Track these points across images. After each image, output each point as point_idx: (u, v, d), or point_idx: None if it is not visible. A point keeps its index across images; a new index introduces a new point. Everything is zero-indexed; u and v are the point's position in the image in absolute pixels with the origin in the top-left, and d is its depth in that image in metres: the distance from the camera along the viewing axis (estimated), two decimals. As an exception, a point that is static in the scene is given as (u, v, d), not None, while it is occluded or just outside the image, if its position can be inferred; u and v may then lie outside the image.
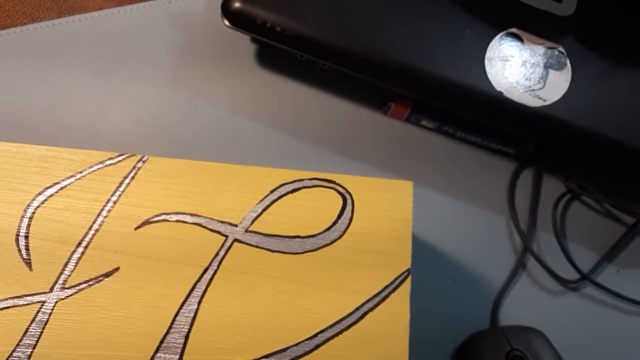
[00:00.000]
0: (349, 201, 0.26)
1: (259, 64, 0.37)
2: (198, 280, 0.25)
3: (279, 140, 0.35)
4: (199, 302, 0.24)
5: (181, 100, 0.36)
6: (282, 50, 0.33)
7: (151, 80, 0.36)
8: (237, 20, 0.32)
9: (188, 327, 0.24)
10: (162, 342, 0.24)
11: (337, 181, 0.26)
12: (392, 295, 0.25)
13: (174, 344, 0.24)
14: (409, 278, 0.25)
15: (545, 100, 0.32)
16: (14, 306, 0.24)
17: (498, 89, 0.31)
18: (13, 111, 0.34)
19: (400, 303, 0.25)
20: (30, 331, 0.24)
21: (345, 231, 0.26)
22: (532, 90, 0.32)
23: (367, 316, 0.25)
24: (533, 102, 0.32)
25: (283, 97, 0.36)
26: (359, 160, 0.35)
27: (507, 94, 0.31)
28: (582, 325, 0.34)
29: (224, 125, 0.35)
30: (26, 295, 0.24)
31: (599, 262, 0.35)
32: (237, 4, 0.32)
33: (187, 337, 0.24)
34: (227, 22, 0.33)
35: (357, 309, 0.25)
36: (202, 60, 0.37)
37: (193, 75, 0.36)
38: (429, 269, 0.34)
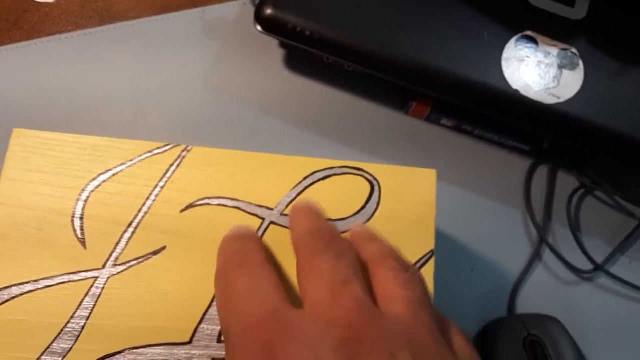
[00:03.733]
0: (376, 188, 0.28)
1: (286, 67, 0.39)
2: (237, 259, 0.27)
3: (306, 138, 0.37)
4: (238, 279, 0.26)
5: (214, 101, 0.38)
6: (310, 54, 0.35)
7: (186, 83, 0.39)
8: (269, 25, 0.35)
9: (228, 301, 0.26)
10: (205, 314, 0.26)
11: (365, 169, 0.28)
12: (417, 274, 0.27)
13: (216, 316, 0.26)
14: (433, 258, 0.27)
15: (559, 98, 0.33)
16: (69, 281, 0.26)
17: (515, 87, 0.33)
18: (59, 110, 0.37)
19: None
20: (84, 304, 0.26)
21: (372, 215, 0.28)
22: (547, 88, 0.33)
23: (394, 294, 0.27)
24: (548, 100, 0.33)
25: (309, 98, 0.39)
26: (382, 157, 0.37)
27: (524, 92, 0.33)
28: (596, 314, 0.35)
29: (255, 123, 0.38)
30: (80, 272, 0.26)
31: (612, 253, 0.36)
32: (269, 11, 0.34)
33: (227, 311, 0.26)
34: (259, 28, 0.35)
35: (385, 287, 0.27)
36: (234, 64, 0.39)
37: (225, 78, 0.39)
38: (449, 260, 0.35)
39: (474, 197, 0.37)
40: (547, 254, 0.36)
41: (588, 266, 0.36)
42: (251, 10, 0.39)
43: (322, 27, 0.34)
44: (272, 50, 0.39)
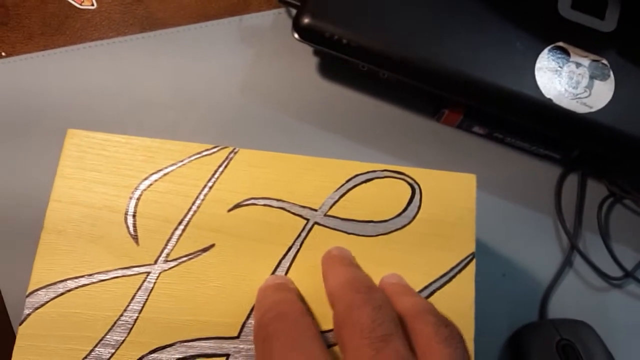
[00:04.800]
0: (417, 191, 0.29)
1: (320, 74, 0.40)
2: (283, 258, 0.28)
3: (340, 143, 0.38)
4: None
5: (251, 106, 0.39)
6: (346, 61, 0.36)
7: (224, 88, 0.40)
8: (307, 34, 0.36)
9: (275, 298, 0.27)
10: (252, 310, 0.27)
11: (407, 173, 0.29)
12: (458, 276, 0.28)
13: (263, 313, 0.27)
14: (474, 261, 0.28)
15: (591, 108, 0.34)
16: (122, 276, 0.27)
17: (548, 96, 0.34)
18: (102, 112, 0.38)
19: (465, 283, 0.27)
20: (137, 298, 0.27)
21: (414, 217, 0.28)
22: (579, 98, 0.34)
23: (435, 294, 0.27)
24: (580, 109, 0.34)
25: (343, 104, 0.40)
26: (414, 163, 0.38)
27: (556, 100, 0.34)
28: (626, 319, 0.36)
29: (290, 127, 0.39)
30: (133, 267, 0.27)
31: (642, 261, 0.37)
32: (307, 20, 0.36)
33: (274, 307, 0.27)
34: (297, 36, 0.36)
35: (425, 287, 0.27)
36: (270, 71, 0.40)
37: (262, 84, 0.40)
38: (480, 265, 0.36)
39: (505, 204, 0.38)
40: (578, 260, 0.37)
41: (618, 273, 0.37)
42: (285, 19, 0.41)
43: (359, 36, 0.35)
44: (306, 57, 0.41)
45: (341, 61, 0.36)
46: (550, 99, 0.34)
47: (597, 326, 0.34)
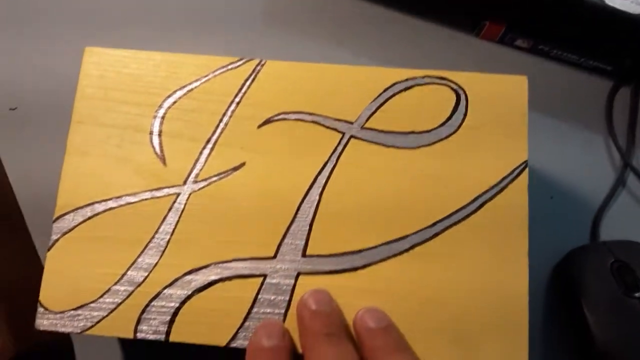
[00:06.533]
0: (462, 97, 0.26)
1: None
2: (318, 174, 0.26)
3: (374, 59, 0.36)
4: (320, 194, 0.25)
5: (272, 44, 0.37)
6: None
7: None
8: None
9: (312, 216, 0.25)
10: (288, 229, 0.25)
11: (450, 78, 0.27)
12: (510, 186, 0.25)
13: (300, 231, 0.25)
14: (527, 170, 0.26)
15: (649, 7, 0.31)
16: (151, 198, 0.26)
17: (600, -4, 0.31)
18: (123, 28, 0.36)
19: (518, 194, 0.25)
20: (167, 220, 0.25)
21: (460, 126, 0.26)
22: (635, -3, 0.31)
23: (485, 206, 0.25)
24: (634, 9, 0.31)
25: (378, 21, 0.37)
26: (452, 83, 0.35)
27: (608, 1, 0.31)
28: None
29: (323, 47, 0.36)
30: (162, 188, 0.26)
31: (703, 176, 0.34)
32: None
33: (311, 225, 0.25)
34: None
35: (475, 199, 0.25)
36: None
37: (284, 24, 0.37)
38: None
39: (552, 122, 0.35)
40: (631, 179, 0.34)
41: (677, 190, 0.34)
42: None
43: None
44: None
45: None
46: (601, 0, 0.31)
47: (654, 247, 0.32)
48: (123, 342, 0.32)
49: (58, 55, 0.36)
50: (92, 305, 0.24)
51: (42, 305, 0.24)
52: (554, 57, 0.36)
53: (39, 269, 0.25)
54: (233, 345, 0.24)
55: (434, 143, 0.26)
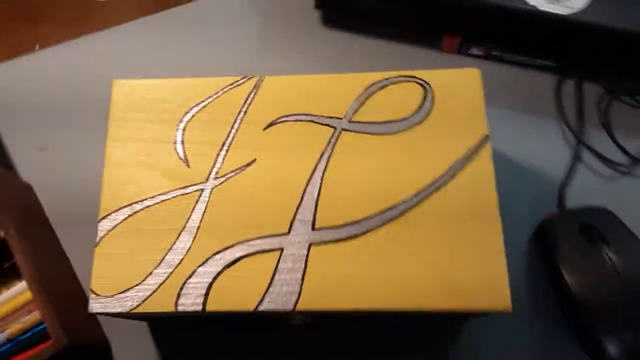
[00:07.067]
0: (429, 89, 0.32)
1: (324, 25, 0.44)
2: (318, 162, 0.31)
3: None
4: (322, 177, 0.31)
5: (268, 64, 0.43)
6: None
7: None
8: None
9: (316, 195, 0.30)
10: (297, 208, 0.30)
11: (418, 75, 0.32)
12: (475, 156, 0.31)
13: (308, 209, 0.30)
14: (489, 142, 0.31)
15: (573, 9, 0.38)
16: (181, 194, 0.30)
17: (532, 3, 0.38)
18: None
19: (484, 163, 0.30)
20: (196, 211, 0.30)
21: (429, 112, 0.32)
22: (559, 1, 0.38)
23: (458, 175, 0.30)
24: (563, 11, 0.38)
25: (349, 49, 0.43)
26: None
27: (540, 6, 0.38)
28: (638, 201, 0.38)
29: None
30: (188, 186, 0.31)
31: (645, 146, 0.40)
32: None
33: (316, 203, 0.30)
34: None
35: (447, 171, 0.31)
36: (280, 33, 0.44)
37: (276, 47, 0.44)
38: (497, 171, 0.39)
39: (510, 114, 0.41)
40: (586, 154, 0.40)
41: (626, 160, 0.39)
42: None
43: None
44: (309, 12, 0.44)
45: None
46: (534, 6, 0.38)
47: (613, 210, 0.37)
48: (157, 342, 0.36)
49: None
50: (137, 287, 0.29)
51: (93, 292, 0.29)
52: (506, 60, 0.42)
53: (72, 270, 0.28)
54: (260, 308, 0.28)
55: (409, 128, 0.31)
